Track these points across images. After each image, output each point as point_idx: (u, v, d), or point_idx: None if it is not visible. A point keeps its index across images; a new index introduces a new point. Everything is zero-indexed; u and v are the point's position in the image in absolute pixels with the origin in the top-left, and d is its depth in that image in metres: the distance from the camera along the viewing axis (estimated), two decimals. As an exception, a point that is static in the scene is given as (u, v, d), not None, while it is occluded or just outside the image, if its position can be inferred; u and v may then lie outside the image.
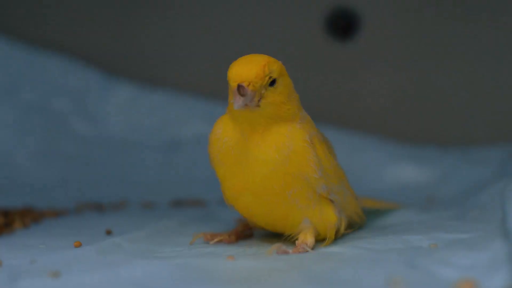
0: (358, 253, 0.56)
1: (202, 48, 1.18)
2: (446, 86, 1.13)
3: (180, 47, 1.18)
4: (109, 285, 0.47)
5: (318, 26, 1.14)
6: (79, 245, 0.60)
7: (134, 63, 1.19)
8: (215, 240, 0.63)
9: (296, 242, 0.59)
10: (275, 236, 0.65)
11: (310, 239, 0.59)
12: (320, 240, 0.61)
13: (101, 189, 1.00)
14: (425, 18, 1.13)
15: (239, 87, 0.55)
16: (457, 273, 0.46)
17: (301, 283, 0.47)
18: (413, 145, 1.10)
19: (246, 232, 0.66)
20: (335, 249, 0.58)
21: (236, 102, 0.55)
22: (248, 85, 0.55)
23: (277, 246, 0.57)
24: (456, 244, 0.56)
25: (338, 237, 0.62)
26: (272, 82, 0.56)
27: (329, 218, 0.60)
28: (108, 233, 0.68)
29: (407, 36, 1.14)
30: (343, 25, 1.13)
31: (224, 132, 0.59)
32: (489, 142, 1.09)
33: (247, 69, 0.55)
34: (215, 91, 1.13)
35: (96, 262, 0.53)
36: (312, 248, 0.58)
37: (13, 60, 1.15)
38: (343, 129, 1.11)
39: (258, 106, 0.56)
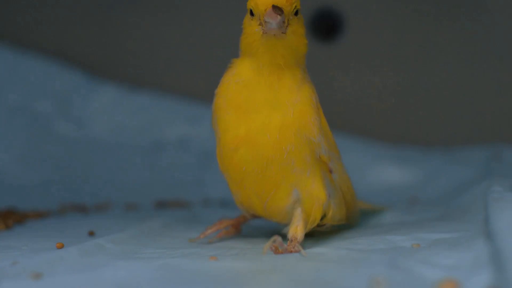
0: (341, 254, 0.56)
1: (186, 50, 1.18)
2: (429, 87, 1.14)
3: (164, 49, 1.18)
4: (91, 286, 0.47)
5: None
6: (61, 247, 0.60)
7: (117, 65, 1.19)
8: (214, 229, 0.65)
9: (288, 235, 0.59)
10: (260, 237, 0.65)
11: (300, 234, 0.59)
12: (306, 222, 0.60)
13: (85, 191, 1.00)
14: (408, 21, 1.14)
15: (275, 7, 0.54)
16: (440, 273, 0.46)
17: (283, 283, 0.47)
18: (397, 146, 1.11)
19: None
20: (318, 249, 0.58)
21: (273, 20, 0.54)
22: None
23: (275, 237, 0.56)
24: (439, 244, 0.57)
25: (324, 226, 0.62)
26: (296, 12, 0.57)
27: (319, 194, 0.59)
28: (91, 234, 0.68)
29: (391, 38, 1.14)
30: (326, 26, 1.14)
31: (238, 73, 0.59)
32: (472, 143, 1.10)
33: None
34: (199, 92, 1.13)
35: (78, 264, 0.53)
36: (301, 242, 0.58)
37: (-4, 62, 1.15)
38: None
39: (285, 33, 0.56)
